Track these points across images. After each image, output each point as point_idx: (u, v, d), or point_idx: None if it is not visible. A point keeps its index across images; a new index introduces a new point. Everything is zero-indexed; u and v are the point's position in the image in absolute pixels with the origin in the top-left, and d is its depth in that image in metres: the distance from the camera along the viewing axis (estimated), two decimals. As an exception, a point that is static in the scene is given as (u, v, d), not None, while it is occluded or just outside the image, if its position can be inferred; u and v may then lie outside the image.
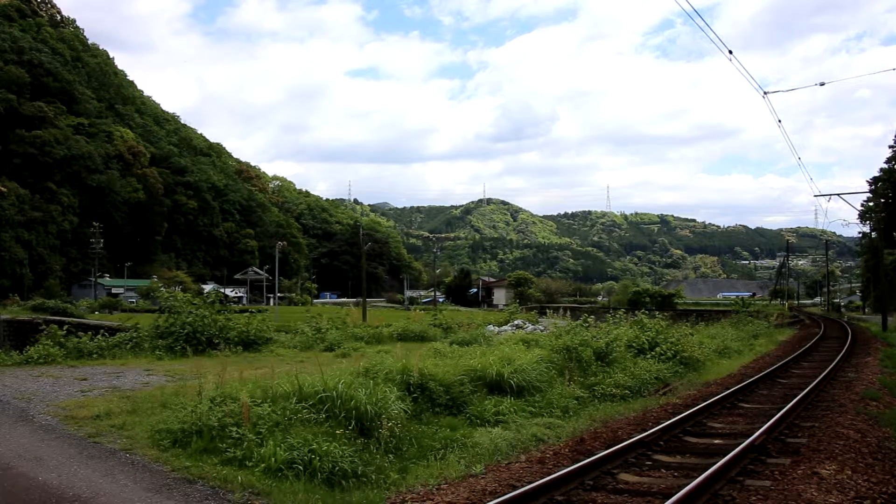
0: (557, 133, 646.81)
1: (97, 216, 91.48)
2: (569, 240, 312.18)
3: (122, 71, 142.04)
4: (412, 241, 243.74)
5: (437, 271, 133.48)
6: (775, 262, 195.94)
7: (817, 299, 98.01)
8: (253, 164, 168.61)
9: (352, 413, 9.31)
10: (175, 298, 22.65)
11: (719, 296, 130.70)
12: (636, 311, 26.71)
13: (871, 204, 59.30)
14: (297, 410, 9.09)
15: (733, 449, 8.18)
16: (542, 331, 28.45)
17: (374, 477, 7.99)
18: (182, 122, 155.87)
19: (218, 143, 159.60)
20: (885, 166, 62.33)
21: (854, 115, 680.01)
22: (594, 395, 14.19)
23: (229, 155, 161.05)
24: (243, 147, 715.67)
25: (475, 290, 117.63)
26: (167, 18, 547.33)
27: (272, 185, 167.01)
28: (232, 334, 19.97)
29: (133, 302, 77.87)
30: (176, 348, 18.63)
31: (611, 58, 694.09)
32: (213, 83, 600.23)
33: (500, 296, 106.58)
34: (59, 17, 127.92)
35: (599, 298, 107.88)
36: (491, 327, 31.84)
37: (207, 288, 79.88)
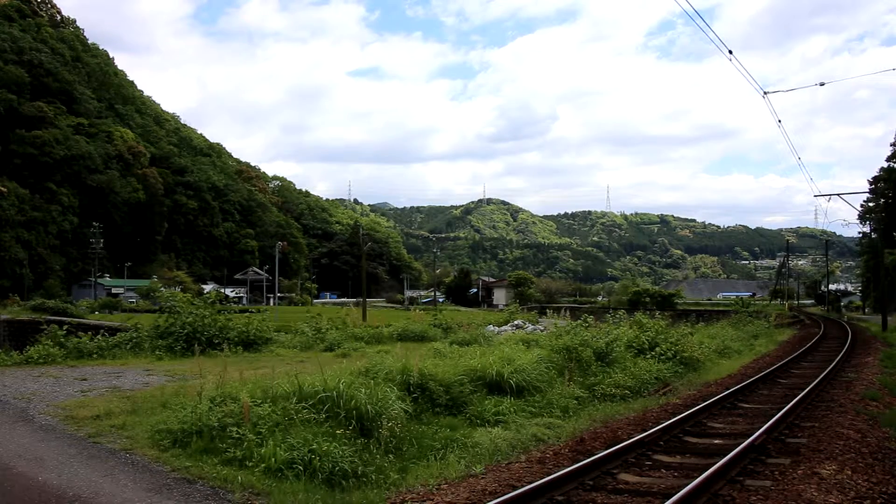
0: (558, 133, 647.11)
1: (97, 216, 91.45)
2: (569, 240, 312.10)
3: (122, 71, 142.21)
4: (412, 241, 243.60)
5: (437, 271, 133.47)
6: (775, 263, 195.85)
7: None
8: (253, 164, 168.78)
9: (352, 413, 9.31)
10: (175, 298, 22.71)
11: (719, 296, 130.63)
12: (636, 312, 26.72)
13: (871, 204, 59.35)
14: (298, 410, 9.09)
15: (733, 449, 8.18)
16: (542, 331, 28.45)
17: (374, 477, 7.99)
18: (182, 122, 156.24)
19: (218, 143, 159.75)
20: (886, 166, 62.32)
21: (854, 116, 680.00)
22: (594, 395, 14.19)
23: (229, 155, 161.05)
24: (243, 147, 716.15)
25: (475, 290, 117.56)
26: (168, 19, 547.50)
27: (272, 185, 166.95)
28: (232, 334, 19.97)
29: (133, 302, 77.86)
30: (176, 348, 18.66)
31: (611, 58, 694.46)
32: (213, 83, 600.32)
33: (500, 296, 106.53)
34: (59, 18, 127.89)
35: (599, 298, 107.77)
36: (491, 327, 31.83)
37: (207, 288, 79.96)
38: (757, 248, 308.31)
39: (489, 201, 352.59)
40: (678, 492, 6.43)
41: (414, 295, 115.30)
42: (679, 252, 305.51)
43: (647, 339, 20.15)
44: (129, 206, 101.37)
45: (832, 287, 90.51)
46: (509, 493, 6.53)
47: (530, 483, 6.88)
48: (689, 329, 26.24)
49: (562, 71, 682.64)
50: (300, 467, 7.57)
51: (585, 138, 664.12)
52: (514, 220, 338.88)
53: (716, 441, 9.57)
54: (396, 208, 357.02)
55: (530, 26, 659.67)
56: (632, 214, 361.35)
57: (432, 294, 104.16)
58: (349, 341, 22.74)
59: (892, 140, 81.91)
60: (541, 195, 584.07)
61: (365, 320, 34.73)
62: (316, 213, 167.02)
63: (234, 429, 8.27)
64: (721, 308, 72.48)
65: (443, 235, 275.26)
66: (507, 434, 10.14)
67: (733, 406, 12.45)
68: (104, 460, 7.68)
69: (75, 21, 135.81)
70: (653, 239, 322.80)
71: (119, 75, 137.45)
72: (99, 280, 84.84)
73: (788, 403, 11.57)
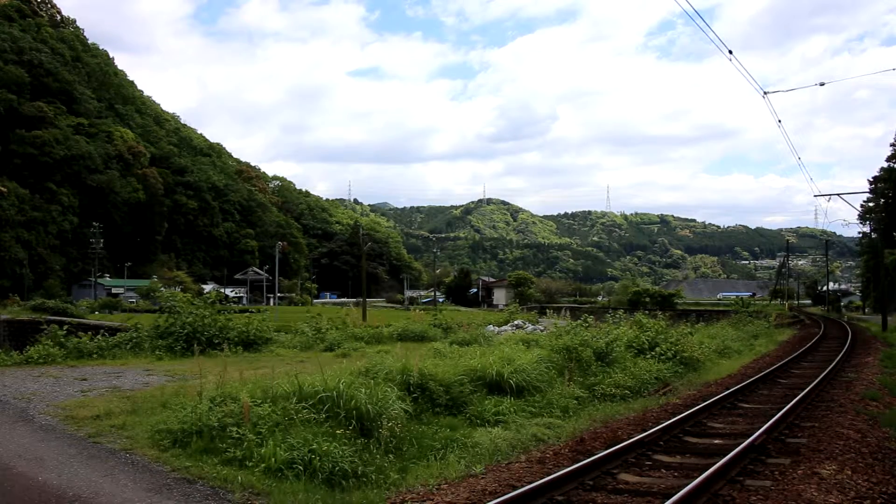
0: (558, 133, 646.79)
1: (97, 216, 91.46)
2: (569, 240, 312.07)
3: (122, 71, 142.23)
4: (412, 241, 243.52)
5: (437, 271, 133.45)
6: (775, 263, 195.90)
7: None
8: (253, 164, 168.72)
9: (352, 413, 9.31)
10: (175, 298, 22.71)
11: (719, 296, 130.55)
12: (636, 312, 26.71)
13: (871, 204, 59.34)
14: (298, 410, 9.09)
15: (733, 449, 8.18)
16: (541, 331, 28.45)
17: (374, 477, 7.99)
18: (182, 122, 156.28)
19: (218, 143, 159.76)
20: (886, 166, 62.29)
21: (854, 116, 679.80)
22: (594, 395, 14.19)
23: (229, 155, 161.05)
24: (243, 147, 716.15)
25: (475, 290, 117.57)
26: (168, 19, 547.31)
27: (272, 185, 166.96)
28: (232, 334, 19.97)
29: (133, 302, 77.85)
30: (176, 348, 18.66)
31: (611, 58, 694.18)
32: (213, 83, 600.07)
33: (500, 296, 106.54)
34: (59, 18, 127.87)
35: (599, 298, 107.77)
36: (491, 327, 31.83)
37: (207, 288, 79.94)
38: (757, 248, 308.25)
39: (489, 201, 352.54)
40: (678, 492, 6.43)
41: (414, 295, 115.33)
42: (679, 252, 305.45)
43: (647, 339, 20.15)
44: (129, 206, 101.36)
45: (832, 287, 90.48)
46: (509, 493, 6.53)
47: (530, 483, 6.88)
48: (689, 329, 26.23)
49: (562, 71, 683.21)
50: (300, 467, 7.57)
51: (585, 138, 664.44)
52: (514, 220, 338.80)
53: (716, 441, 9.57)
54: (396, 208, 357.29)
55: (530, 26, 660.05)
56: (632, 214, 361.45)
57: (432, 294, 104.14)
58: (349, 341, 22.74)
59: (892, 140, 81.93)
60: (541, 195, 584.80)
61: (365, 320, 34.73)
62: (316, 213, 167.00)
63: (234, 429, 8.27)
64: (721, 308, 72.47)
65: (443, 235, 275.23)
66: (507, 434, 10.14)
67: (733, 406, 12.44)
68: (104, 460, 7.68)
69: (75, 21, 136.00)
70: (653, 239, 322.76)
71: (119, 75, 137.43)
72: (99, 280, 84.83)
73: (788, 403, 11.57)
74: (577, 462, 7.81)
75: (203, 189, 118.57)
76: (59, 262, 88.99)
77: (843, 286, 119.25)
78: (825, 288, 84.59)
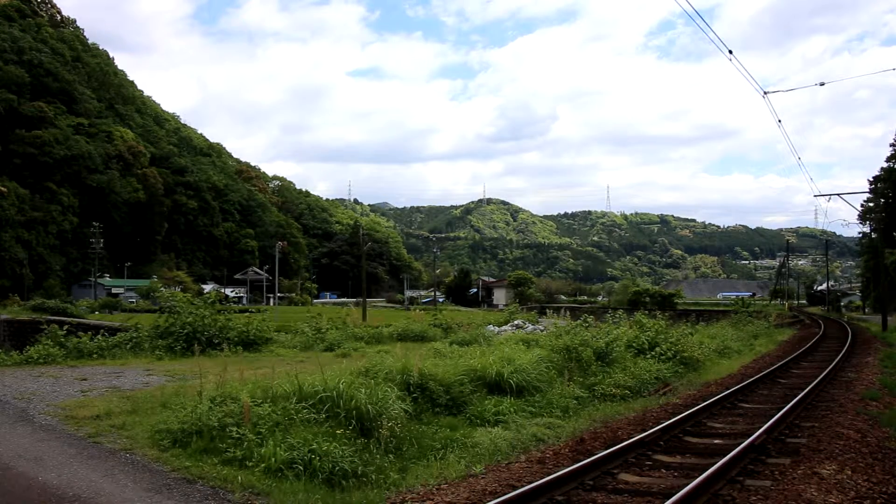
0: (558, 133, 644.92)
1: (97, 216, 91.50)
2: (569, 240, 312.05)
3: (122, 71, 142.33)
4: (412, 241, 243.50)
5: (437, 271, 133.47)
6: (775, 262, 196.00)
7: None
8: (253, 164, 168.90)
9: (352, 413, 9.32)
10: (175, 298, 22.72)
11: (719, 296, 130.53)
12: (636, 311, 26.72)
13: (871, 204, 59.29)
14: (298, 410, 9.10)
15: (733, 449, 8.18)
16: (541, 331, 28.44)
17: (374, 477, 8.00)
18: (182, 122, 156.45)
19: (218, 143, 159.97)
20: (886, 166, 62.26)
21: (854, 115, 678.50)
22: (594, 395, 14.18)
23: (229, 155, 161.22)
24: (243, 147, 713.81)
25: (475, 290, 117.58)
26: (168, 19, 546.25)
27: (272, 185, 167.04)
28: (232, 334, 19.98)
29: (133, 302, 77.88)
30: (176, 348, 18.66)
31: (611, 58, 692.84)
32: (213, 83, 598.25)
33: (500, 296, 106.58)
34: (59, 18, 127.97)
35: (599, 298, 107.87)
36: (491, 327, 31.80)
37: (207, 288, 79.98)
38: (757, 248, 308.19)
39: (489, 201, 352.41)
40: (678, 492, 6.43)
41: (414, 295, 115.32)
42: (679, 252, 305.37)
43: (647, 339, 20.15)
44: (129, 206, 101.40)
45: (832, 287, 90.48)
46: (509, 493, 6.53)
47: (530, 483, 6.88)
48: (689, 329, 26.24)
49: (562, 71, 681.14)
50: (300, 467, 7.57)
51: (585, 138, 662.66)
52: (514, 220, 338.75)
53: (716, 441, 9.57)
54: (396, 208, 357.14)
55: (530, 26, 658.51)
56: (632, 214, 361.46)
57: (432, 294, 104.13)
58: (349, 341, 22.75)
59: (892, 140, 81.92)
60: (541, 195, 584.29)
61: (365, 320, 34.75)
62: (316, 213, 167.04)
63: (234, 429, 8.27)
64: (721, 308, 72.50)
65: (443, 235, 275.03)
66: (507, 434, 10.14)
67: (733, 406, 12.45)
68: (104, 460, 7.68)
69: (75, 21, 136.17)
70: (653, 239, 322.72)
71: (119, 75, 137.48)
72: (99, 280, 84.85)
73: (788, 403, 11.58)
74: (577, 462, 7.81)
75: (203, 189, 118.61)
76: (59, 262, 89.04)
77: (843, 286, 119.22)
78: (820, 287, 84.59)
